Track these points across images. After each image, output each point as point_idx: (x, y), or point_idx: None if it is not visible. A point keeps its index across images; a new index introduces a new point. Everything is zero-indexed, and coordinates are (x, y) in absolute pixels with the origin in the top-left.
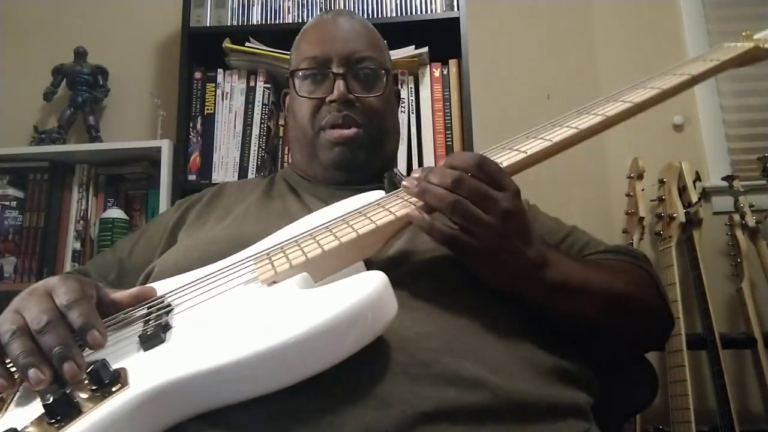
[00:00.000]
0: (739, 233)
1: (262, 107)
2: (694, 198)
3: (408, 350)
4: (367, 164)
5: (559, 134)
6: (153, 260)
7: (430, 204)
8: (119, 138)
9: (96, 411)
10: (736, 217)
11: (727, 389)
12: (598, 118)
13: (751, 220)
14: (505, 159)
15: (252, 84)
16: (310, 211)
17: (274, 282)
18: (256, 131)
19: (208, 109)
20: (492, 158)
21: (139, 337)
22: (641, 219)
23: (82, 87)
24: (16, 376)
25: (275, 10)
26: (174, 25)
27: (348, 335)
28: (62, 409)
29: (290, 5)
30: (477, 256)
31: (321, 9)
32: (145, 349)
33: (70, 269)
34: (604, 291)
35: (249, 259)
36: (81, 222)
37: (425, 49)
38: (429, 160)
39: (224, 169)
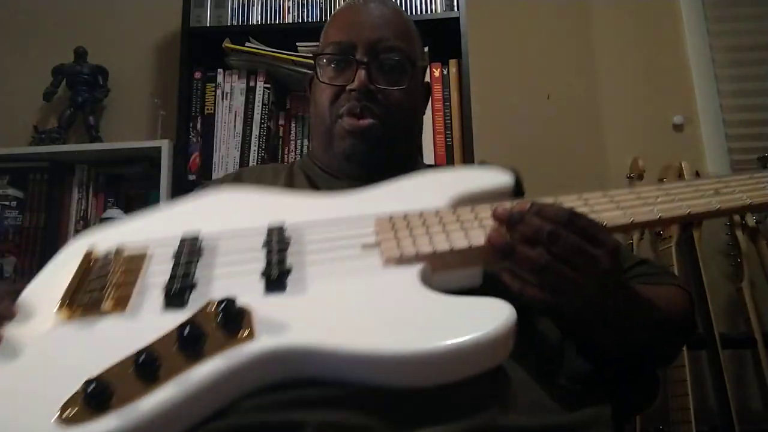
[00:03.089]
0: (739, 233)
1: (262, 107)
2: None
3: None
4: (380, 158)
5: (668, 209)
6: None
7: (518, 265)
8: (119, 138)
9: (220, 357)
10: (736, 217)
11: (727, 389)
12: (712, 206)
13: (751, 220)
14: (607, 216)
15: (252, 84)
16: None
17: (397, 263)
18: (256, 131)
19: (208, 109)
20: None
21: (263, 275)
22: None
23: (82, 87)
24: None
25: (275, 10)
26: (174, 25)
27: (471, 364)
28: (194, 342)
29: (290, 5)
30: (566, 317)
31: (321, 9)
32: (267, 291)
33: None
34: (667, 326)
35: (371, 218)
36: (81, 222)
37: (425, 49)
38: (429, 160)
39: (224, 169)
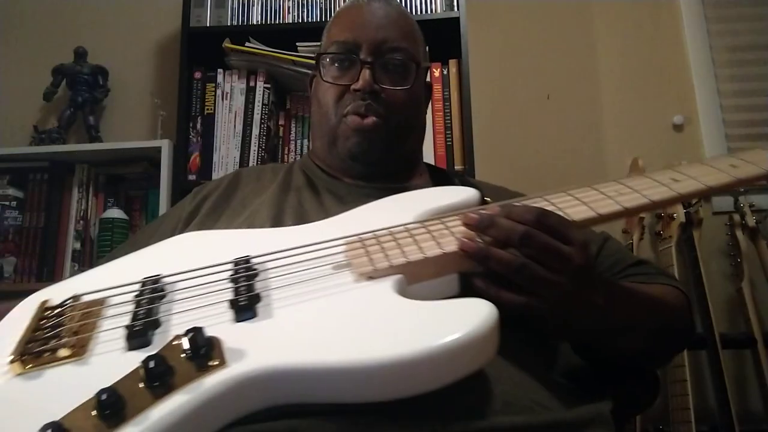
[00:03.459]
0: (739, 233)
1: (262, 107)
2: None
3: None
4: (383, 157)
5: (631, 200)
6: None
7: (494, 269)
8: (119, 138)
9: (190, 389)
10: (736, 217)
11: (727, 389)
12: (671, 193)
13: (751, 220)
14: (573, 212)
15: (252, 84)
16: (325, 209)
17: (370, 277)
18: (256, 131)
19: (208, 109)
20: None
21: (231, 303)
22: (641, 219)
23: (82, 87)
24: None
25: (275, 10)
26: (174, 25)
27: (457, 365)
28: (161, 376)
29: (290, 5)
30: (545, 318)
31: (321, 9)
32: (237, 320)
33: (70, 269)
34: (654, 320)
35: (340, 240)
36: (81, 222)
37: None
38: (429, 160)
39: (224, 169)
